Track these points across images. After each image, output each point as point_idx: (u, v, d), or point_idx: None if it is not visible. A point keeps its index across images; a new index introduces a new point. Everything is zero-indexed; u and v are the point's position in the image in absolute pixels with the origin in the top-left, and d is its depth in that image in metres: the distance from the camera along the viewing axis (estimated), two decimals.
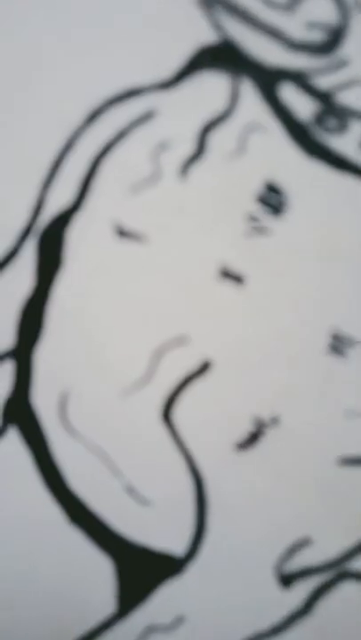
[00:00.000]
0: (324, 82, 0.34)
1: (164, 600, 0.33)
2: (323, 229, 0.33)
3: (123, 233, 0.33)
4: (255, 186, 0.34)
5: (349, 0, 0.33)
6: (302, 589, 0.33)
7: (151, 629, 0.33)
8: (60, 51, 0.33)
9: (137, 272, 0.33)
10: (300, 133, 0.34)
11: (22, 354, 0.33)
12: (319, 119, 0.34)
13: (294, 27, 0.33)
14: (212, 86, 0.34)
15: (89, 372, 0.33)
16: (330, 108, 0.33)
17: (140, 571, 0.33)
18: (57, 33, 0.33)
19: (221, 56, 0.34)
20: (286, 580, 0.33)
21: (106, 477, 0.33)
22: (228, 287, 0.33)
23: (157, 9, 0.33)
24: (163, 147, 0.33)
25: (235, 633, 0.33)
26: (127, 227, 0.33)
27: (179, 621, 0.33)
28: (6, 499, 0.33)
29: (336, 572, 0.33)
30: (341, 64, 0.34)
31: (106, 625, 0.33)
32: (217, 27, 0.33)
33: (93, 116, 0.33)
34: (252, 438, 0.33)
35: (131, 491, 0.33)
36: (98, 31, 0.33)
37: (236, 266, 0.33)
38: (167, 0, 0.34)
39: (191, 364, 0.33)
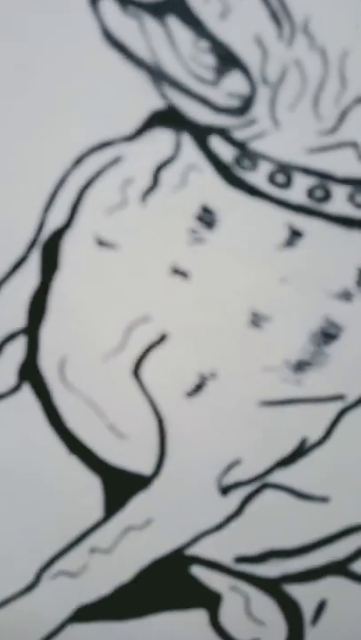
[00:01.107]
0: (240, 134, 0.40)
1: (137, 507, 0.43)
2: (243, 238, 0.41)
3: (101, 243, 0.41)
4: (194, 208, 0.41)
5: (257, 76, 0.40)
6: (236, 497, 0.42)
7: (128, 529, 0.42)
8: (59, 115, 0.40)
9: (112, 271, 0.41)
10: (224, 171, 0.40)
11: (31, 331, 0.41)
12: (237, 161, 0.40)
13: (218, 96, 0.39)
14: (162, 139, 0.40)
15: (80, 344, 0.41)
16: (245, 153, 0.40)
17: (120, 486, 0.42)
18: (57, 103, 0.40)
19: (168, 117, 0.40)
20: (224, 490, 0.42)
21: (93, 419, 0.42)
22: (177, 280, 0.41)
23: (124, 85, 0.40)
24: (128, 181, 0.41)
25: (188, 530, 0.43)
26: (104, 238, 0.41)
27: (148, 522, 0.43)
28: (22, 436, 0.42)
29: (260, 484, 0.42)
30: (252, 122, 0.40)
31: (97, 525, 0.42)
32: (164, 96, 0.40)
33: (79, 160, 0.40)
34: (197, 388, 0.41)
35: (112, 428, 0.42)
36: (83, 102, 0.40)
37: (183, 265, 0.41)
38: (130, 79, 0.40)
39: (152, 336, 0.41)
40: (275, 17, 0.38)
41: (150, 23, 0.39)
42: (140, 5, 0.39)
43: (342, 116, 0.39)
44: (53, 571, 0.43)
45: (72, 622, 0.43)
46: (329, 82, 0.39)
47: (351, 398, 0.42)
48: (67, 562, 0.43)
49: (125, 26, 0.39)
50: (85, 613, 0.43)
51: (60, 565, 0.43)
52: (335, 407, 0.42)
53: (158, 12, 0.39)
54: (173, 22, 0.39)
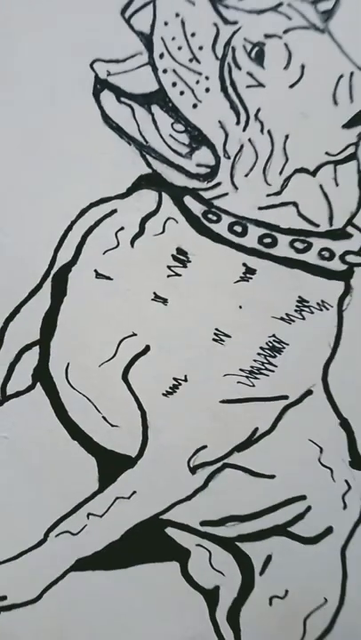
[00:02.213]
0: (207, 195, 0.46)
1: (124, 482, 0.48)
2: (209, 273, 0.46)
3: (98, 275, 0.47)
4: (171, 250, 0.47)
5: (220, 152, 0.45)
6: (202, 474, 0.48)
7: (117, 498, 0.48)
8: (69, 178, 0.46)
9: (107, 297, 0.47)
10: (195, 222, 0.46)
11: (43, 343, 0.47)
12: (205, 214, 0.46)
13: (191, 166, 0.45)
14: (148, 197, 0.46)
15: (81, 353, 0.47)
16: (210, 209, 0.46)
17: (111, 465, 0.48)
18: (68, 168, 0.46)
19: (152, 180, 0.46)
20: (193, 469, 0.48)
21: (91, 411, 0.47)
22: (158, 305, 0.47)
23: (119, 156, 0.46)
24: (120, 229, 0.47)
25: (165, 500, 0.48)
26: (101, 272, 0.47)
27: (133, 494, 0.48)
28: (35, 424, 0.47)
29: (221, 464, 0.48)
30: (216, 185, 0.46)
31: (93, 495, 0.48)
32: (149, 165, 0.46)
33: (83, 212, 0.46)
34: (172, 389, 0.47)
35: (105, 419, 0.47)
36: (88, 168, 0.46)
37: (162, 294, 0.47)
38: (123, 151, 0.45)
39: (138, 349, 0.47)
40: (234, 108, 0.44)
41: (139, 110, 0.45)
42: (131, 97, 0.45)
43: (285, 182, 0.45)
44: (58, 531, 0.48)
45: (72, 571, 0.48)
46: (275, 157, 0.45)
47: (293, 398, 0.48)
48: (68, 524, 0.48)
49: (120, 112, 0.45)
50: (83, 564, 0.48)
51: (63, 527, 0.48)
52: (280, 405, 0.48)
53: (145, 101, 0.45)
54: (157, 110, 0.45)
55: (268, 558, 0.49)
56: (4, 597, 0.48)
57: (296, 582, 0.49)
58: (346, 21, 0.45)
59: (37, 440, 0.48)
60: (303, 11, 0.45)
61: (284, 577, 0.49)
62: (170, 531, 0.49)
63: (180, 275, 0.47)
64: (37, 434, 0.48)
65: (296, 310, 0.47)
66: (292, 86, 0.45)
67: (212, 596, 0.49)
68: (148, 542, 0.48)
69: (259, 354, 0.47)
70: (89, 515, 0.48)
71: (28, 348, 0.47)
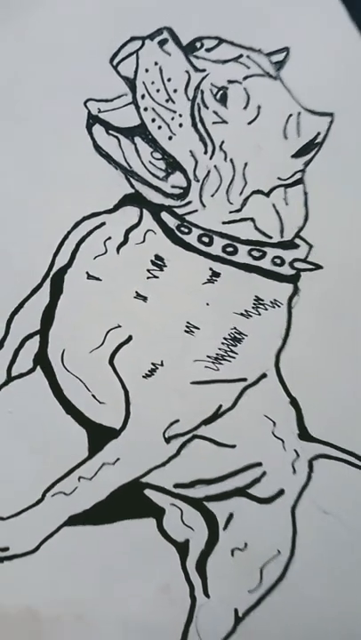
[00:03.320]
0: (180, 211, 0.48)
1: (111, 449, 0.49)
2: (182, 276, 0.49)
3: (89, 277, 0.49)
4: (150, 256, 0.49)
5: (191, 176, 0.48)
6: (175, 444, 0.49)
7: (104, 464, 0.48)
8: (67, 197, 0.49)
9: (96, 295, 0.49)
10: (170, 233, 0.49)
11: (43, 332, 0.49)
12: (178, 227, 0.49)
13: (166, 187, 0.48)
14: (131, 212, 0.49)
15: (74, 342, 0.49)
16: (183, 222, 0.49)
17: (99, 436, 0.49)
18: (66, 188, 0.49)
19: (135, 199, 0.49)
20: (167, 440, 0.49)
21: (82, 391, 0.49)
22: (139, 302, 0.49)
23: (107, 178, 0.48)
24: (108, 239, 0.49)
25: (144, 466, 0.49)
26: (91, 274, 0.49)
27: (117, 460, 0.49)
28: (35, 402, 0.49)
29: (191, 436, 0.49)
30: (188, 204, 0.48)
31: (83, 462, 0.48)
32: (132, 186, 0.49)
33: (77, 224, 0.49)
34: (150, 372, 0.49)
35: (94, 397, 0.49)
36: (82, 188, 0.49)
37: (143, 293, 0.49)
38: (111, 174, 0.49)
39: (122, 338, 0.49)
40: (202, 140, 0.48)
41: (124, 141, 0.48)
42: (118, 130, 0.49)
43: (244, 202, 0.48)
44: (53, 492, 0.48)
45: (65, 526, 0.48)
46: (236, 181, 0.48)
47: (250, 380, 0.49)
48: (62, 486, 0.48)
49: (109, 142, 0.49)
50: (74, 520, 0.48)
51: (58, 488, 0.48)
52: (240, 386, 0.49)
53: (129, 134, 0.48)
54: (139, 141, 0.48)
55: (231, 516, 0.50)
56: (7, 548, 0.48)
57: (254, 536, 0.50)
58: (294, 71, 0.50)
59: (37, 415, 0.49)
60: (259, 62, 0.50)
61: (244, 532, 0.50)
62: (148, 492, 0.49)
63: (157, 277, 0.49)
64: (37, 409, 0.49)
65: (253, 307, 0.49)
66: (250, 123, 0.49)
67: (183, 548, 0.49)
68: (129, 502, 0.49)
69: (222, 343, 0.49)
70: (80, 478, 0.48)
71: (30, 336, 0.49)
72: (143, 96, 0.48)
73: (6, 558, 0.48)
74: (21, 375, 0.49)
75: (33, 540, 0.49)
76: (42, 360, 0.49)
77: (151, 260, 0.49)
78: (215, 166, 0.48)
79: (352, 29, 0.50)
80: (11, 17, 0.49)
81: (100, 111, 0.49)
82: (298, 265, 0.50)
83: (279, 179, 0.49)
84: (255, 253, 0.49)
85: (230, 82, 0.48)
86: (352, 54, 0.51)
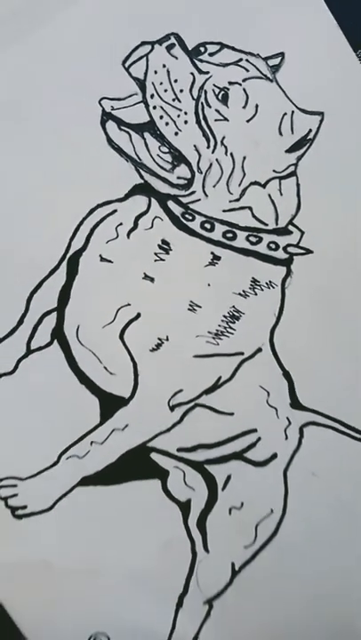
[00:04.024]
0: (184, 200, 0.50)
1: (120, 416, 0.50)
2: (186, 259, 0.50)
3: (102, 259, 0.50)
4: (157, 241, 0.51)
5: (195, 168, 0.49)
6: (179, 412, 0.51)
7: (114, 430, 0.50)
8: (83, 186, 0.50)
9: (108, 276, 0.50)
10: (175, 220, 0.50)
11: (60, 309, 0.50)
12: (183, 214, 0.50)
13: (173, 178, 0.50)
14: (140, 200, 0.51)
15: (88, 318, 0.50)
16: (187, 210, 0.50)
17: (110, 404, 0.50)
18: (83, 180, 0.49)
19: (144, 188, 0.50)
20: (172, 408, 0.51)
21: (95, 363, 0.51)
22: (147, 282, 0.50)
23: (119, 170, 0.50)
24: (119, 224, 0.51)
25: (150, 431, 0.50)
26: (104, 257, 0.51)
27: (126, 426, 0.50)
28: (52, 373, 0.50)
29: (193, 404, 0.51)
30: (192, 193, 0.50)
31: (95, 427, 0.50)
32: (142, 177, 0.50)
33: (92, 211, 0.50)
34: (157, 346, 0.50)
35: (105, 369, 0.50)
36: (96, 179, 0.50)
37: (150, 274, 0.50)
38: (122, 166, 0.50)
39: (131, 315, 0.50)
40: (205, 136, 0.50)
41: (135, 136, 0.50)
42: (129, 126, 0.50)
43: (243, 192, 0.50)
44: (68, 455, 0.50)
45: (78, 486, 0.50)
46: (235, 173, 0.50)
47: (247, 354, 0.51)
48: (76, 449, 0.50)
49: (120, 137, 0.50)
50: (86, 481, 0.50)
51: (72, 451, 0.50)
52: (238, 359, 0.51)
53: (139, 130, 0.50)
54: (148, 136, 0.50)
55: (228, 477, 0.51)
56: (25, 507, 0.50)
57: (249, 496, 0.52)
58: (288, 74, 0.52)
59: (54, 385, 0.51)
60: (257, 65, 0.52)
61: (240, 492, 0.52)
62: (153, 455, 0.51)
63: (164, 260, 0.51)
64: (54, 380, 0.51)
65: (250, 288, 0.51)
66: (248, 121, 0.51)
67: (185, 507, 0.51)
68: (136, 464, 0.51)
69: (222, 320, 0.51)
70: (92, 442, 0.50)
71: (47, 313, 0.50)
72: (152, 95, 0.50)
73: (25, 515, 0.50)
74: (40, 348, 0.51)
75: (48, 499, 0.50)
76: (58, 335, 0.51)
77: (158, 245, 0.51)
78: (217, 160, 0.50)
79: (341, 37, 0.53)
80: (34, 26, 0.50)
81: (113, 109, 0.50)
82: (291, 249, 0.52)
83: (274, 171, 0.51)
84: (252, 239, 0.51)
85: (231, 83, 0.50)
86: (340, 59, 0.53)
